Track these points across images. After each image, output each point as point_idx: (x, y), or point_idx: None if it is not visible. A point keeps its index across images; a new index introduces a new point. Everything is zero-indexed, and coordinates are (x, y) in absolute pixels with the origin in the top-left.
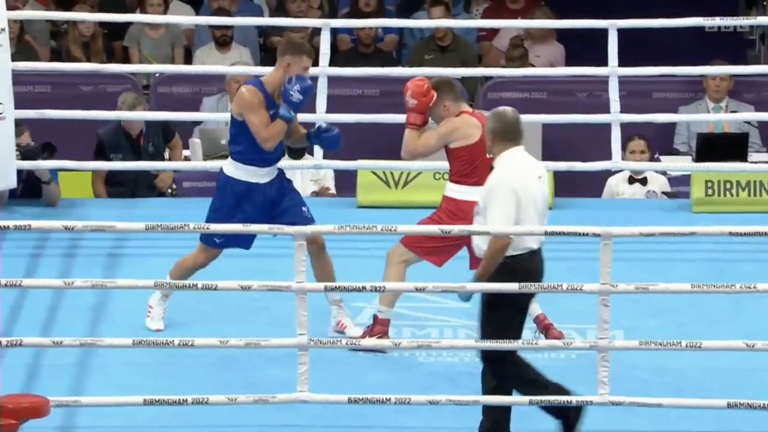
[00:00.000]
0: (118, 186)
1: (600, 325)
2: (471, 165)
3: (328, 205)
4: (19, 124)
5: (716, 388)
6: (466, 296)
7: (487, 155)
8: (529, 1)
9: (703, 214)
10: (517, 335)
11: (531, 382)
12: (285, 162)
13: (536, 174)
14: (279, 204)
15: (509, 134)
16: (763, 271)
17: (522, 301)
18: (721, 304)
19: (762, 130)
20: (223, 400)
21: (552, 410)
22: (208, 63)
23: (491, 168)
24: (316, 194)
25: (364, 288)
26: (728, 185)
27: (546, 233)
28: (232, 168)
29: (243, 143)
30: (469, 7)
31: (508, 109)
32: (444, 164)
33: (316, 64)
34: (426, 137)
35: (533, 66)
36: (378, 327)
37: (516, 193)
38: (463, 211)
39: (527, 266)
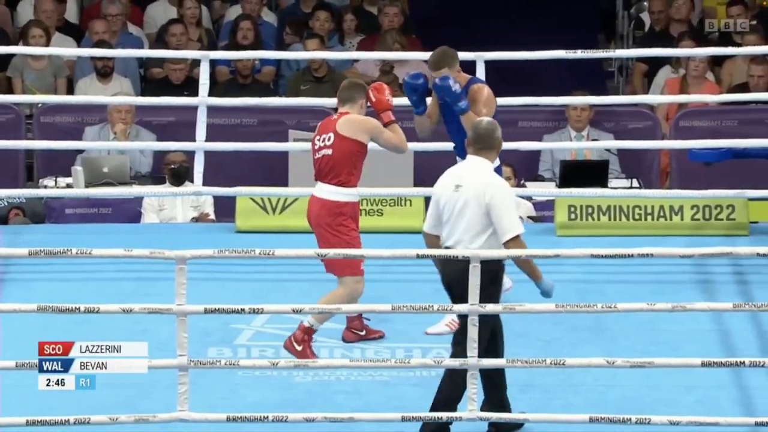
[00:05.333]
0: None
1: (469, 344)
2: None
3: (208, 231)
4: None
5: (579, 404)
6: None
7: None
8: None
9: (567, 238)
10: None
11: None
12: (166, 188)
13: (454, 182)
14: None
15: (475, 142)
16: (623, 292)
17: None
18: (583, 323)
19: (621, 158)
20: (104, 420)
21: None
22: (89, 93)
23: None
24: (195, 220)
25: (242, 310)
26: (590, 210)
27: (418, 257)
28: None
29: None
30: (344, 40)
31: (485, 119)
32: None
33: (195, 94)
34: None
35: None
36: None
37: (432, 194)
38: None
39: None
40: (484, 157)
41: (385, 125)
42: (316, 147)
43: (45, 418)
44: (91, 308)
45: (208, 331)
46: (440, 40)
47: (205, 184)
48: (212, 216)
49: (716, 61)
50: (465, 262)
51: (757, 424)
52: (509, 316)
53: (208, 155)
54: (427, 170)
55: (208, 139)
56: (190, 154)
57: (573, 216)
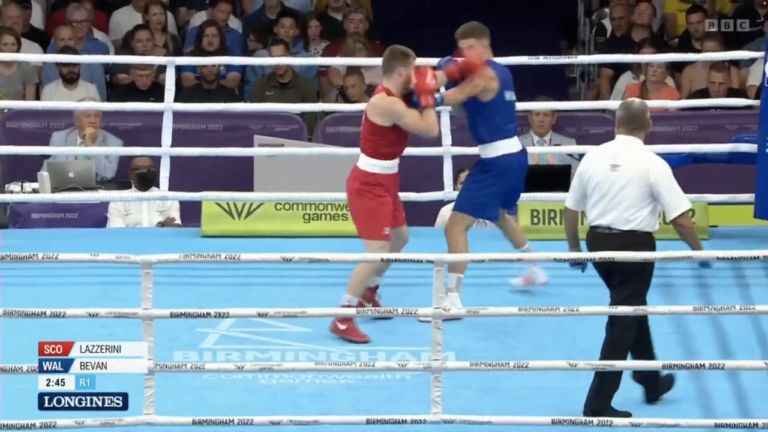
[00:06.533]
0: None
1: (433, 347)
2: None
3: (174, 235)
4: None
5: (542, 406)
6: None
7: None
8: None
9: (530, 242)
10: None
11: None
12: (131, 193)
13: (609, 162)
14: None
15: (627, 122)
16: (585, 295)
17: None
18: (546, 326)
19: None
20: (71, 424)
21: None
22: (55, 99)
23: None
24: (161, 224)
25: (208, 314)
26: (553, 214)
27: (383, 260)
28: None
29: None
30: (309, 46)
31: (636, 100)
32: (290, 195)
33: (161, 99)
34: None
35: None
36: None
37: (580, 174)
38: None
39: (587, 236)
40: (636, 136)
41: (422, 108)
42: None
43: (10, 422)
44: (57, 313)
45: (174, 335)
46: (405, 45)
47: (171, 189)
48: (178, 220)
49: (676, 67)
50: (625, 240)
51: (716, 425)
52: (474, 319)
53: (174, 160)
54: None
55: (174, 144)
56: (156, 159)
57: (536, 220)
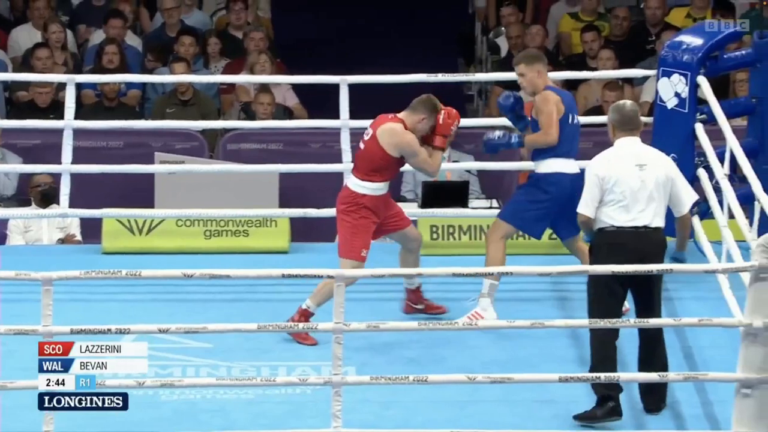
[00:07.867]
0: None
1: (334, 362)
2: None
3: (75, 252)
4: None
5: (440, 420)
6: None
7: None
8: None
9: (429, 257)
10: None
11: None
12: (31, 210)
13: (635, 162)
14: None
15: (623, 124)
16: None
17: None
18: (445, 340)
19: (481, 179)
20: None
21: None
22: None
23: None
24: (62, 241)
25: (109, 330)
26: (451, 230)
27: (283, 276)
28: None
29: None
30: (209, 64)
31: (627, 102)
32: (191, 212)
33: (61, 117)
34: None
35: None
36: (299, 317)
37: (600, 180)
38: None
39: (612, 240)
40: (637, 136)
41: (434, 147)
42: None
43: None
44: None
45: None
46: (305, 63)
47: (71, 206)
48: (78, 237)
49: (571, 85)
50: (659, 237)
51: None
52: (374, 333)
53: (75, 177)
54: (292, 192)
55: (75, 161)
56: (57, 177)
57: (435, 236)
